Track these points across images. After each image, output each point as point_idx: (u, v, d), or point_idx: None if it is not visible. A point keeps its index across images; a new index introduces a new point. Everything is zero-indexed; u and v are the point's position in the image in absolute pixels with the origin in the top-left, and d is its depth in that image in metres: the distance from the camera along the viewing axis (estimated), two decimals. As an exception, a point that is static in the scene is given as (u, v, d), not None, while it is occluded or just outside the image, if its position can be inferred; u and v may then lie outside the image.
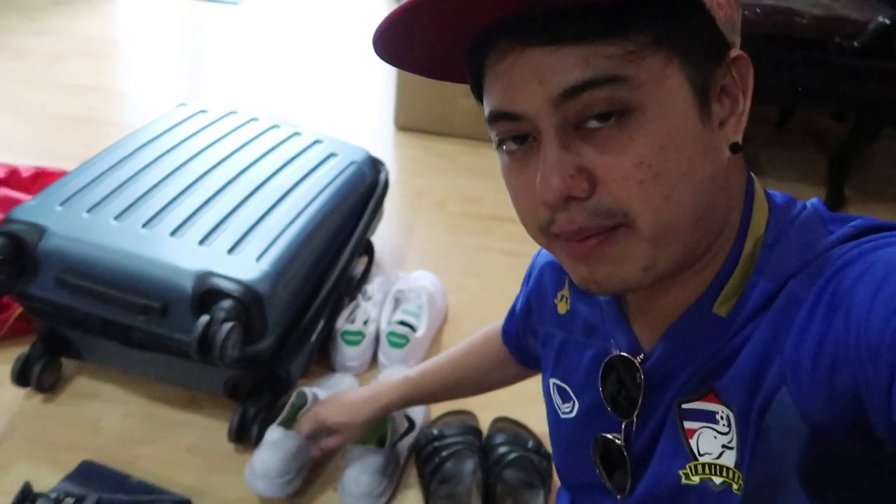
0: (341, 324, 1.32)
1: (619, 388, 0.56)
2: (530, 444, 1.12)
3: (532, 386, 1.31)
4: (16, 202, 1.43)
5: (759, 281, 0.47)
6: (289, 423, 1.09)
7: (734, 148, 0.45)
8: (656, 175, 0.41)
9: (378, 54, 0.47)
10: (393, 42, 0.46)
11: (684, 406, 0.51)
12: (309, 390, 1.11)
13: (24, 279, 1.06)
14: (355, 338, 1.31)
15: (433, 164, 2.04)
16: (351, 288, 1.39)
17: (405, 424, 1.12)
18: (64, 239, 1.04)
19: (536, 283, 0.72)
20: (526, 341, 0.83)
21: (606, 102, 0.41)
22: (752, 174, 0.51)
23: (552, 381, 0.67)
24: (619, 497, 0.58)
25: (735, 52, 0.45)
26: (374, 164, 1.48)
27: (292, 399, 1.11)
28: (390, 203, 1.53)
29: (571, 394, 0.63)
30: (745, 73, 0.45)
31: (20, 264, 1.05)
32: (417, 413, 1.17)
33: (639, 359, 0.54)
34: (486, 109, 0.47)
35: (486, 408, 1.24)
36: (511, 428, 1.16)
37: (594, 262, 0.45)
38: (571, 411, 0.63)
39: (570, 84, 0.41)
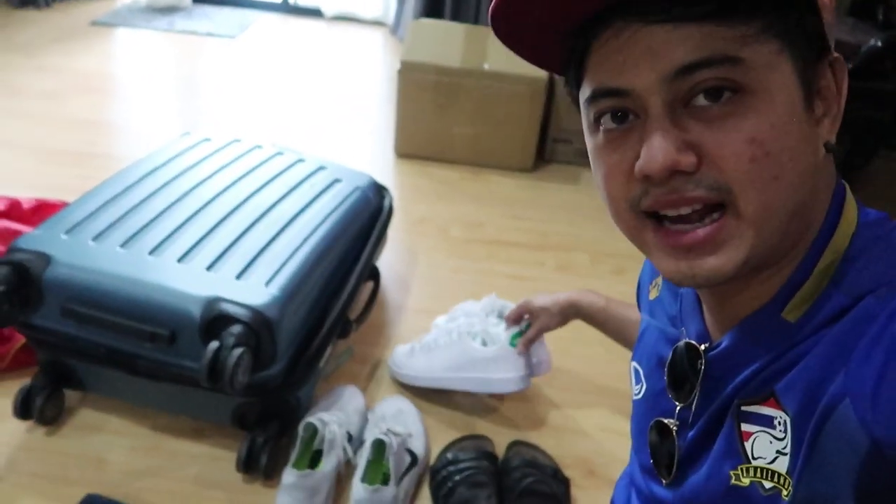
0: None
1: (682, 374, 0.57)
2: (548, 469, 1.10)
3: (551, 412, 1.31)
4: (17, 234, 1.41)
5: (833, 293, 0.46)
6: (301, 463, 1.07)
7: (828, 147, 0.46)
8: (767, 154, 0.42)
9: (493, 26, 0.48)
10: (509, 16, 0.46)
11: (744, 408, 0.51)
12: (315, 419, 1.09)
13: (28, 309, 1.05)
14: None
15: (435, 191, 2.04)
16: (359, 315, 1.37)
17: (407, 459, 1.10)
18: (70, 267, 1.03)
19: (641, 271, 0.74)
20: None
21: (719, 81, 0.42)
22: (846, 184, 0.51)
23: (632, 363, 0.68)
24: (663, 482, 0.58)
25: (834, 54, 0.46)
26: (379, 190, 1.48)
27: (300, 434, 1.08)
28: (393, 230, 1.53)
29: (642, 376, 0.65)
30: (841, 76, 0.46)
31: (24, 294, 1.03)
32: (419, 447, 1.14)
33: (703, 347, 0.54)
34: (588, 89, 0.47)
35: (502, 433, 1.22)
36: (528, 452, 1.14)
37: (697, 254, 0.45)
38: (640, 393, 0.65)
39: (686, 61, 0.42)
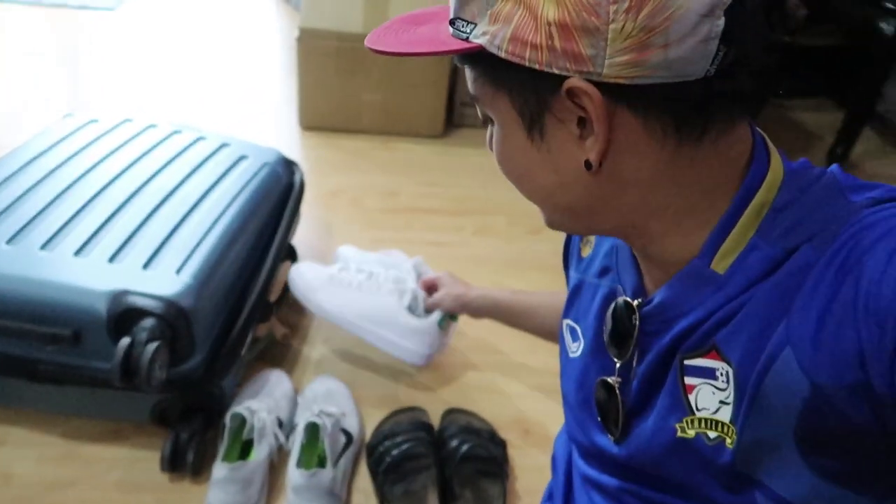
0: None
1: (621, 330, 0.57)
2: (483, 433, 1.10)
3: (481, 377, 1.31)
4: None
5: (758, 243, 0.47)
6: (231, 455, 1.02)
7: (587, 164, 0.47)
8: (504, 171, 0.53)
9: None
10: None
11: (686, 362, 0.51)
12: (243, 408, 1.04)
13: None
14: None
15: (345, 163, 1.99)
16: (278, 297, 1.32)
17: (343, 439, 1.08)
18: (-52, 270, 0.93)
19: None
20: None
21: (480, 112, 0.53)
22: (765, 138, 0.51)
23: (565, 321, 0.69)
24: (611, 438, 0.59)
25: (570, 83, 0.44)
26: (288, 165, 1.42)
27: (228, 424, 1.04)
28: (305, 205, 1.47)
29: (580, 333, 0.65)
30: (586, 100, 0.44)
31: None
32: (353, 425, 1.12)
33: (637, 302, 0.55)
34: None
35: (437, 401, 1.22)
36: (463, 419, 1.14)
37: None
38: (578, 350, 0.65)
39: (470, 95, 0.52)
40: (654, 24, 0.41)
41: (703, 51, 0.42)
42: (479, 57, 0.47)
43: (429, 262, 1.32)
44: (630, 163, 0.47)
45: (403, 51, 0.50)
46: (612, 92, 0.44)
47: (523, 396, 1.27)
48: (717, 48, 0.41)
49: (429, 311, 1.19)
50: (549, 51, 0.43)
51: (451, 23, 0.47)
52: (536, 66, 0.44)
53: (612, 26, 0.41)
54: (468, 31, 0.46)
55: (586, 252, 0.67)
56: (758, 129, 0.52)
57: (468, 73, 0.51)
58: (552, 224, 0.55)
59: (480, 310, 1.14)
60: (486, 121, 0.53)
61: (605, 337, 0.59)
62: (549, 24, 0.42)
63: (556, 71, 0.44)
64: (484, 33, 0.45)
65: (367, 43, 0.53)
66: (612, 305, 0.59)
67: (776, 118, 2.54)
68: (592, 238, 0.67)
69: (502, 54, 0.45)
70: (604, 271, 0.63)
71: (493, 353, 1.35)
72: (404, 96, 2.05)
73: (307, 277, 1.24)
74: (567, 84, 0.44)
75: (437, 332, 1.19)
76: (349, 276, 1.23)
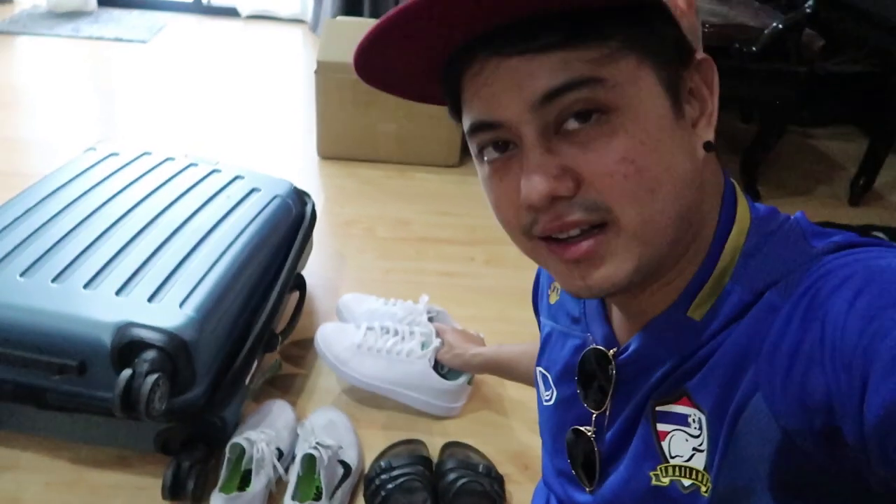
0: None
1: (592, 380, 0.57)
2: (481, 467, 1.10)
3: (483, 410, 1.31)
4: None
5: (733, 288, 0.47)
6: (229, 486, 1.04)
7: (707, 146, 0.46)
8: (639, 170, 0.43)
9: (360, 76, 0.48)
10: (371, 63, 0.47)
11: (658, 409, 0.51)
12: (242, 438, 1.06)
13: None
14: None
15: (360, 191, 2.02)
16: (285, 327, 1.34)
17: (340, 471, 1.08)
18: (-35, 302, 0.97)
19: (537, 276, 0.75)
20: None
21: (585, 103, 0.43)
22: (733, 182, 0.52)
23: (538, 369, 0.69)
24: (587, 489, 0.59)
25: (700, 55, 0.47)
26: (300, 196, 1.45)
27: (227, 455, 1.06)
28: (319, 234, 1.51)
29: (551, 382, 0.65)
30: (710, 75, 0.47)
31: (-84, 333, 0.97)
32: (352, 457, 1.13)
33: (612, 352, 0.55)
34: (466, 122, 0.48)
35: (437, 434, 1.22)
36: (461, 453, 1.15)
37: (586, 266, 0.46)
38: (550, 399, 0.65)
39: (549, 88, 0.42)
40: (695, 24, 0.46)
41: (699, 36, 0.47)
42: (623, 24, 0.42)
43: (439, 292, 1.33)
44: (705, 159, 0.48)
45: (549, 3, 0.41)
46: None
47: (524, 431, 1.26)
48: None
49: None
50: (686, 19, 0.45)
51: None
52: (684, 31, 0.45)
53: (699, 14, 0.45)
54: None
55: (554, 298, 0.67)
56: (728, 176, 0.52)
57: (580, 53, 0.42)
58: (641, 269, 0.46)
59: (479, 369, 1.22)
60: (584, 118, 0.43)
61: (578, 388, 0.59)
62: None
63: (689, 41, 0.46)
64: None
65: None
66: (583, 355, 0.58)
67: (798, 146, 2.51)
68: (559, 285, 0.68)
69: (677, 12, 0.44)
70: (573, 320, 0.62)
71: (497, 385, 1.35)
72: (420, 126, 2.09)
73: (335, 350, 1.26)
74: (699, 55, 0.46)
75: (468, 387, 1.28)
76: (375, 342, 1.26)
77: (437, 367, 1.25)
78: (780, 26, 1.87)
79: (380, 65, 0.47)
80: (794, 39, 1.86)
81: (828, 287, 0.41)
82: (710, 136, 0.47)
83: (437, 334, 1.27)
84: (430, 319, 1.35)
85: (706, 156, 0.47)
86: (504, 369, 1.16)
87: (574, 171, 0.44)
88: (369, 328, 1.28)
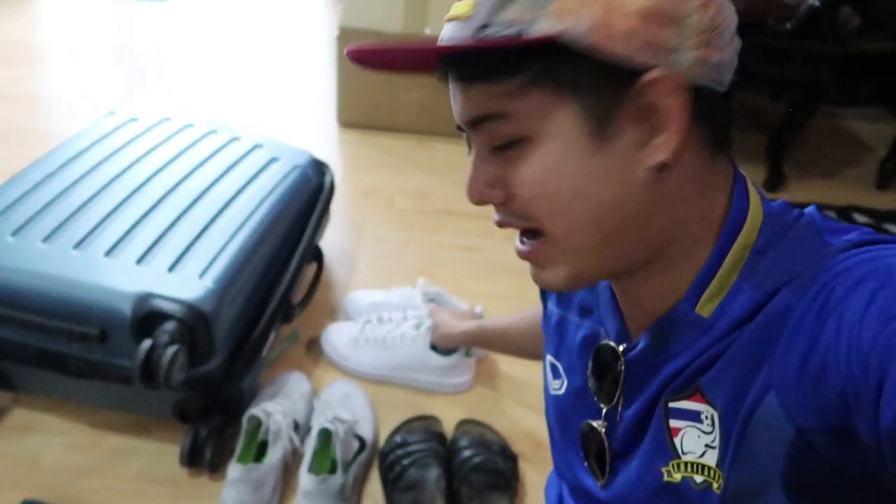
0: None
1: (607, 373, 0.57)
2: (495, 445, 1.11)
3: (498, 386, 1.31)
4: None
5: (742, 286, 0.47)
6: (246, 456, 1.05)
7: (659, 167, 0.45)
8: (546, 195, 0.47)
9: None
10: (369, 66, 0.51)
11: (671, 405, 0.51)
12: (259, 410, 1.07)
13: (-55, 311, 0.99)
14: None
15: (380, 161, 2.00)
16: (302, 299, 1.34)
17: (356, 445, 1.10)
18: (-13, 266, 0.98)
19: None
20: None
21: (500, 135, 0.47)
22: (746, 178, 0.51)
23: (547, 357, 0.68)
24: (598, 483, 0.59)
25: (651, 74, 0.43)
26: (319, 167, 1.44)
27: (244, 426, 1.07)
28: (337, 204, 1.50)
29: (562, 372, 0.65)
30: (665, 94, 0.44)
31: (-60, 296, 0.98)
32: (367, 431, 1.14)
33: (622, 348, 0.55)
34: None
35: (452, 411, 1.23)
36: (476, 430, 1.15)
37: (533, 265, 0.52)
38: (560, 388, 0.65)
39: (470, 117, 0.48)
40: (715, 24, 0.44)
41: (733, 62, 0.47)
42: (531, 59, 0.44)
43: (456, 266, 1.32)
44: (676, 171, 0.47)
45: (435, 47, 0.46)
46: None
47: (538, 410, 1.26)
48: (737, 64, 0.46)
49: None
50: (632, 40, 0.43)
51: (482, 28, 0.44)
52: (617, 58, 0.43)
53: (688, 21, 0.43)
54: (515, 29, 0.43)
55: None
56: (739, 168, 0.51)
57: (490, 88, 0.45)
58: (577, 277, 0.50)
59: (465, 344, 1.25)
60: (504, 145, 0.47)
61: (591, 383, 0.59)
62: (635, 12, 0.42)
63: (637, 61, 0.43)
64: (550, 28, 0.42)
65: (360, 55, 0.48)
66: (595, 350, 0.58)
67: (827, 128, 2.45)
68: None
69: (580, 47, 0.42)
70: (584, 311, 0.62)
71: (512, 363, 1.35)
72: (444, 96, 2.04)
73: (337, 346, 1.30)
74: (648, 76, 0.43)
75: (467, 360, 1.27)
76: (372, 332, 1.29)
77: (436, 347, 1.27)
78: (817, 3, 1.81)
79: (376, 67, 0.52)
80: (831, 17, 1.80)
81: (843, 286, 0.41)
82: (665, 155, 0.44)
83: (430, 315, 1.28)
84: (432, 301, 1.36)
85: (708, 156, 0.48)
86: (489, 342, 1.20)
87: (505, 183, 0.48)
88: (367, 321, 1.31)
